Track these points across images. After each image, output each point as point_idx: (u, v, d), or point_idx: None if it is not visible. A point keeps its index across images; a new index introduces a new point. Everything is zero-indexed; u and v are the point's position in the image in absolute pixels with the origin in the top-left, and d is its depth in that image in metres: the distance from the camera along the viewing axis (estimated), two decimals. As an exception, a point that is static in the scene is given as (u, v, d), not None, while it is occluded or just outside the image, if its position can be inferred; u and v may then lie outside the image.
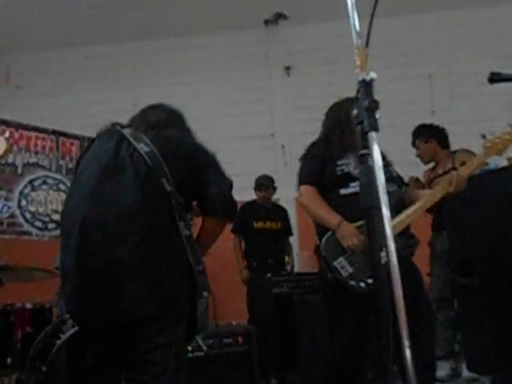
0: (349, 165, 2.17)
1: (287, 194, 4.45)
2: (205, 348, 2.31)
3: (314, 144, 2.39)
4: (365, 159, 0.95)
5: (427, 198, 2.12)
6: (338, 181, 2.16)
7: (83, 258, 1.53)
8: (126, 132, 1.72)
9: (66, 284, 1.61)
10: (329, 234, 2.10)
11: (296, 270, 4.18)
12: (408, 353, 0.89)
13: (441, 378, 3.07)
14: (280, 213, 4.21)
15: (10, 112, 4.58)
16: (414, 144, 3.52)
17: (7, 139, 1.26)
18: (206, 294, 1.60)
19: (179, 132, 1.83)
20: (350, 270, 2.02)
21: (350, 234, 2.03)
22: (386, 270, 0.98)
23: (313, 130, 4.26)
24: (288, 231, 4.26)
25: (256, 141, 5.25)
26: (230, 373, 2.40)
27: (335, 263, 2.04)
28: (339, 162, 2.19)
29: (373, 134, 0.94)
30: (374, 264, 0.95)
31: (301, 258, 4.00)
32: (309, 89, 5.42)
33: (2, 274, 2.91)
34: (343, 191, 2.15)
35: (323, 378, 2.23)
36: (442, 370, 3.13)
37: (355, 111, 1.06)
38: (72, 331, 2.65)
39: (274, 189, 4.18)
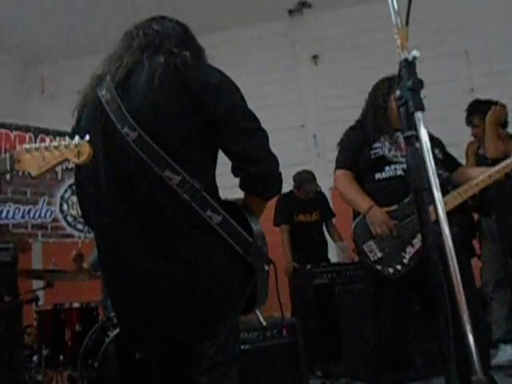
0: (383, 147, 2.14)
1: (321, 184, 4.42)
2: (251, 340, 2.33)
3: (351, 128, 2.35)
4: (411, 141, 0.94)
5: (484, 178, 2.04)
6: (373, 165, 2.14)
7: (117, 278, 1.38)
8: (105, 100, 1.36)
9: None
10: (360, 217, 2.10)
11: (334, 260, 4.17)
12: (471, 337, 0.87)
13: (501, 364, 3.00)
14: (317, 199, 4.17)
15: (46, 120, 4.73)
16: (469, 122, 3.36)
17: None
18: (266, 267, 1.39)
19: (169, 70, 1.31)
20: (379, 254, 2.03)
21: (379, 219, 2.02)
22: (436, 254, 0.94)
23: (344, 118, 4.21)
24: (328, 214, 4.21)
25: (287, 132, 5.19)
26: (275, 365, 2.39)
27: (364, 246, 2.05)
28: (374, 146, 2.16)
29: (419, 115, 0.92)
30: (427, 249, 0.92)
31: (339, 247, 3.98)
32: (338, 76, 5.35)
33: (52, 276, 3.01)
34: (378, 175, 2.13)
35: (370, 367, 2.22)
36: (504, 353, 3.08)
37: (398, 92, 1.02)
38: (117, 330, 2.72)
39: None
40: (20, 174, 4.06)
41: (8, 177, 4.08)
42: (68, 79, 5.90)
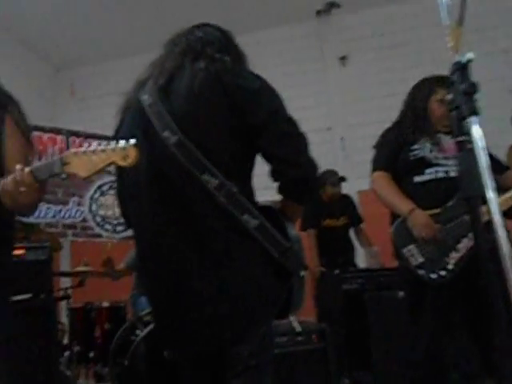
0: (423, 149, 2.09)
1: (349, 187, 4.38)
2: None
3: (388, 130, 2.30)
4: (463, 146, 0.93)
5: None
6: (413, 167, 2.09)
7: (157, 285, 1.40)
8: (147, 104, 1.40)
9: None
10: (399, 220, 2.05)
11: (364, 265, 4.12)
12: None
13: None
14: (345, 204, 4.15)
15: (75, 123, 4.83)
16: None
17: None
18: (302, 273, 1.40)
19: (210, 75, 1.33)
20: (421, 259, 1.97)
21: (421, 223, 1.96)
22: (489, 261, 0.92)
23: (372, 120, 4.19)
24: (356, 219, 4.16)
25: (313, 135, 5.00)
26: (303, 371, 2.38)
27: (404, 251, 1.99)
28: (413, 147, 2.11)
29: (473, 119, 0.92)
30: (481, 258, 0.90)
31: (367, 253, 3.94)
32: (366, 77, 5.28)
33: (83, 275, 3.07)
34: (418, 178, 2.08)
35: (403, 379, 2.18)
36: None
37: (450, 96, 1.01)
38: (149, 328, 2.76)
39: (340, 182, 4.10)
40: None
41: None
42: (97, 83, 6.03)
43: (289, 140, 1.32)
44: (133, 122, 1.45)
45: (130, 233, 4.24)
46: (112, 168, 4.27)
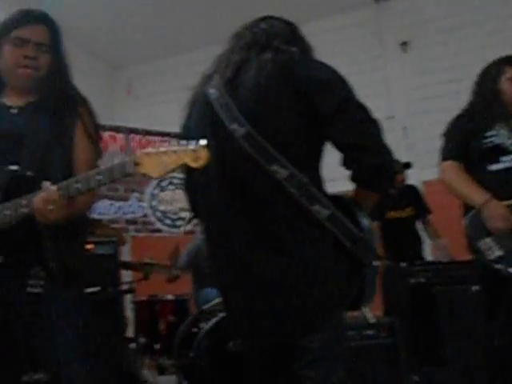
0: (499, 136, 1.97)
1: (413, 178, 4.23)
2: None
3: (458, 117, 2.18)
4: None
5: None
6: (487, 155, 1.98)
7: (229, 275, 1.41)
8: (214, 97, 1.39)
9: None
10: (473, 211, 1.95)
11: (430, 258, 3.98)
12: None
13: None
14: (410, 194, 3.99)
15: (132, 121, 4.95)
16: None
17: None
18: (375, 263, 1.37)
19: (277, 66, 1.32)
20: (498, 252, 1.86)
21: (498, 214, 1.86)
22: None
23: (436, 108, 3.99)
24: (423, 210, 3.97)
25: None
26: (372, 366, 2.33)
27: (480, 244, 1.89)
28: (487, 134, 1.99)
29: None
30: None
31: (436, 245, 3.80)
32: (429, 63, 5.04)
33: (148, 269, 3.15)
34: (493, 167, 1.98)
35: (478, 377, 2.09)
36: None
37: None
38: (214, 321, 2.81)
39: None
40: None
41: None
42: (152, 81, 6.15)
43: (362, 126, 1.29)
44: (200, 116, 1.45)
45: (189, 228, 4.34)
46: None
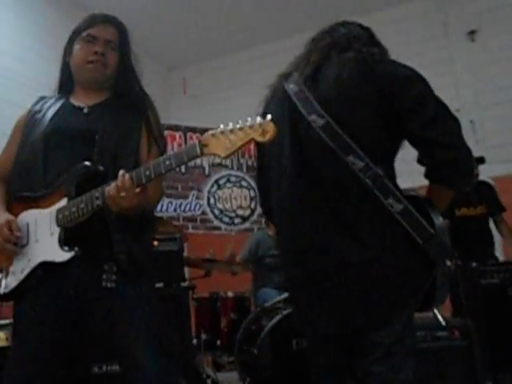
0: None
1: (481, 174, 4.02)
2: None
3: None
4: None
5: None
6: None
7: (301, 264, 1.42)
8: (293, 92, 1.44)
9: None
10: None
11: (503, 258, 3.80)
12: None
13: None
14: (483, 191, 3.80)
15: (188, 120, 5.00)
16: None
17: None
18: (448, 262, 1.35)
19: (349, 66, 1.37)
20: None
21: None
22: None
23: (506, 100, 3.79)
24: (497, 208, 3.77)
25: None
26: (443, 369, 2.23)
27: None
28: None
29: None
30: None
31: (508, 245, 3.59)
32: (499, 52, 4.79)
33: (210, 266, 3.17)
34: None
35: None
36: None
37: None
38: (277, 319, 2.78)
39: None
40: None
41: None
42: (207, 80, 6.21)
43: (440, 122, 1.29)
44: (278, 110, 1.47)
45: (247, 225, 4.34)
46: (228, 162, 4.35)
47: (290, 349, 2.69)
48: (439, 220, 1.33)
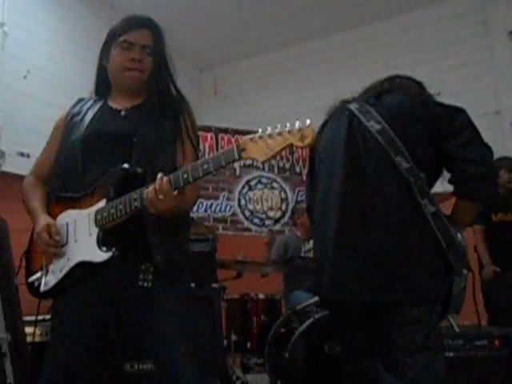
0: None
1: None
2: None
3: None
4: None
5: None
6: None
7: (341, 246, 1.59)
8: (354, 107, 1.66)
9: (321, 271, 1.67)
10: None
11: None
12: None
13: None
14: None
15: (220, 121, 5.01)
16: None
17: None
18: (465, 271, 1.50)
19: (409, 95, 1.64)
20: None
21: None
22: None
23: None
24: None
25: (478, 120, 4.61)
26: (484, 378, 2.16)
27: None
28: None
29: None
30: None
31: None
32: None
33: (241, 267, 3.17)
34: None
35: None
36: None
37: None
38: (309, 322, 2.76)
39: None
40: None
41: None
42: (238, 80, 6.22)
43: (474, 146, 1.50)
44: (334, 122, 1.72)
45: (278, 227, 4.32)
46: (259, 163, 4.30)
47: (322, 353, 2.66)
48: (458, 237, 1.51)
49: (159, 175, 1.35)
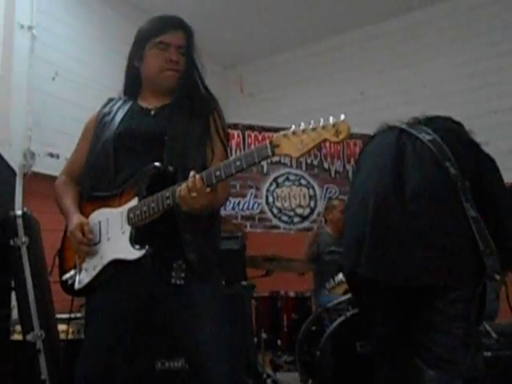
0: None
1: None
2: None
3: None
4: None
5: None
6: None
7: (377, 228, 1.67)
8: (403, 125, 1.78)
9: (355, 251, 1.73)
10: None
11: None
12: None
13: None
14: None
15: (246, 118, 5.00)
16: None
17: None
18: (497, 276, 1.54)
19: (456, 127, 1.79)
20: None
21: None
22: None
23: None
24: None
25: None
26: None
27: None
28: None
29: None
30: None
31: None
32: None
33: (271, 264, 3.15)
34: None
35: None
36: None
37: None
38: (340, 320, 2.72)
39: None
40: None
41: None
42: (264, 78, 6.20)
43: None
44: (383, 135, 1.85)
45: (306, 224, 4.27)
46: (287, 159, 4.28)
47: (354, 351, 2.63)
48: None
49: (192, 173, 1.35)
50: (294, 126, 1.25)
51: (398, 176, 1.67)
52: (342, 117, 1.19)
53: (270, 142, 1.26)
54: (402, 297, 1.67)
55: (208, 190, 1.34)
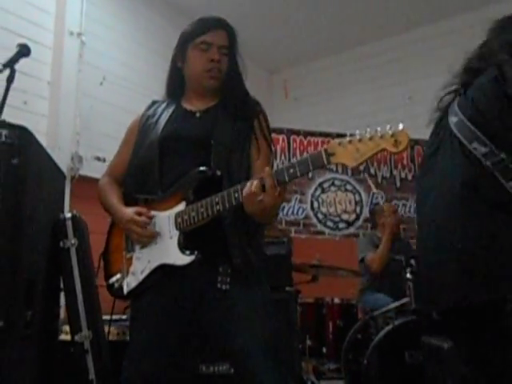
0: None
1: None
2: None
3: None
4: None
5: None
6: None
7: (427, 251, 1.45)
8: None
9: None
10: None
11: None
12: None
13: None
14: None
15: (291, 122, 4.97)
16: None
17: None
18: None
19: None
20: None
21: None
22: None
23: None
24: None
25: None
26: None
27: None
28: None
29: None
30: None
31: None
32: None
33: (316, 271, 3.10)
34: None
35: None
36: None
37: None
38: (387, 329, 2.65)
39: None
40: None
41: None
42: (308, 82, 6.15)
43: None
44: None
45: (352, 230, 4.20)
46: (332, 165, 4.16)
47: (402, 361, 2.54)
48: None
49: (266, 169, 1.32)
50: (349, 134, 1.22)
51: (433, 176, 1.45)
52: (401, 126, 1.16)
53: (325, 150, 1.23)
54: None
55: (279, 189, 1.29)
